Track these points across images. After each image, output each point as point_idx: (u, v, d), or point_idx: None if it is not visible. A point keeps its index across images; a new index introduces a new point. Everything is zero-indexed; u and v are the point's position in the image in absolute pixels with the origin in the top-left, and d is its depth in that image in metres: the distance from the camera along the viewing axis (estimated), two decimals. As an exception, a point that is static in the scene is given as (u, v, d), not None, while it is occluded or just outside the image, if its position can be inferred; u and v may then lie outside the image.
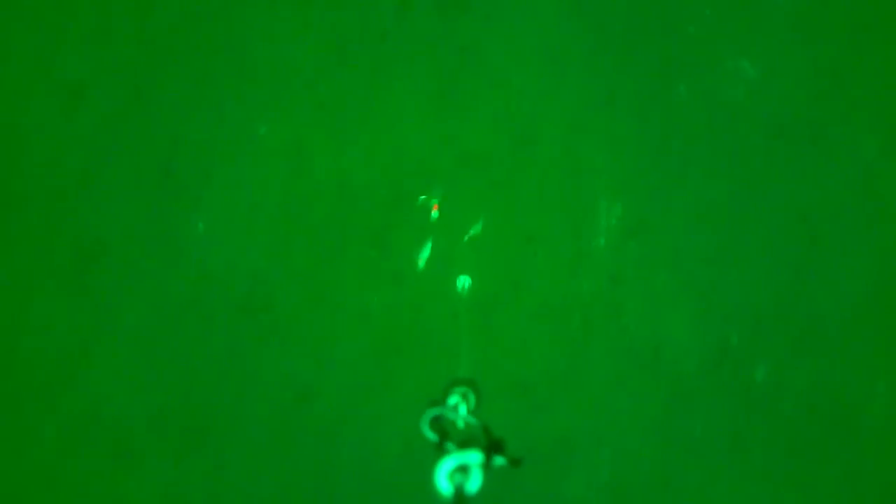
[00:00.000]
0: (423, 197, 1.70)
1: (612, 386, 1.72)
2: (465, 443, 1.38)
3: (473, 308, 1.70)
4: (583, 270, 1.74)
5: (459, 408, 1.47)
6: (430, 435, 1.40)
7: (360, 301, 1.68)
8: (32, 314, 1.74)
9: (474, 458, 1.35)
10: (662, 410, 1.73)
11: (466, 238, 1.71)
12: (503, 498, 1.64)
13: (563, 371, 1.72)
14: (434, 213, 1.71)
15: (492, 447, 1.40)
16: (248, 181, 1.71)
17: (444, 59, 1.75)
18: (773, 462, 1.73)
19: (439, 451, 1.34)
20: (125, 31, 1.74)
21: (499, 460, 1.40)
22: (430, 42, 1.71)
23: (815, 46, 1.78)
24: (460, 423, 1.45)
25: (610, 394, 1.73)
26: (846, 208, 1.74)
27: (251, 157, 1.71)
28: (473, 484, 1.34)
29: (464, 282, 1.70)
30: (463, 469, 1.34)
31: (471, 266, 1.71)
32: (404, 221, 1.70)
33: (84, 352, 1.72)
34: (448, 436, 1.39)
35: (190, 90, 1.74)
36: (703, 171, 1.76)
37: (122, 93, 1.74)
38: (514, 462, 1.42)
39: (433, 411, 1.43)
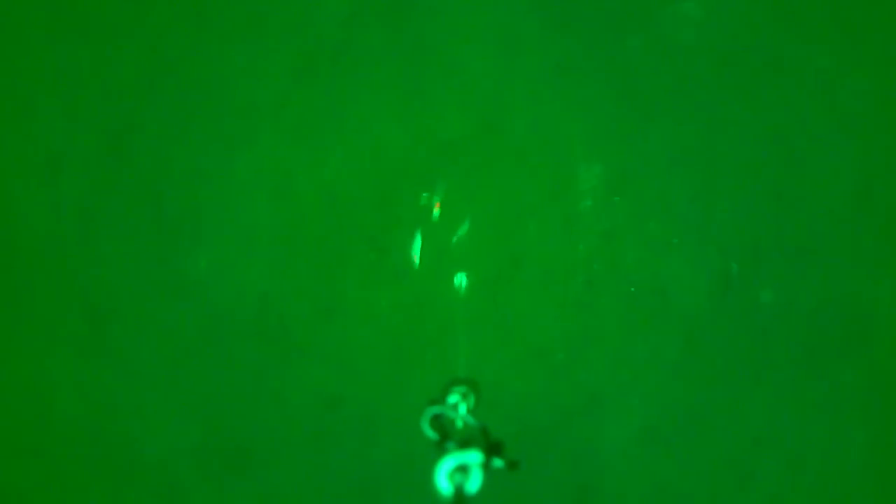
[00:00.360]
0: (428, 193, 1.75)
1: (626, 337, 1.77)
2: (465, 442, 1.35)
3: (479, 291, 1.75)
4: (576, 234, 1.79)
5: (459, 407, 1.46)
6: (431, 433, 1.39)
7: (367, 302, 1.73)
8: (58, 380, 1.80)
9: (474, 457, 1.33)
10: (679, 350, 1.77)
11: (460, 225, 1.76)
12: (540, 463, 1.69)
13: (577, 332, 1.77)
14: (436, 210, 1.76)
15: (490, 449, 1.36)
16: (238, 211, 1.76)
17: (402, 59, 1.80)
18: (792, 377, 1.78)
19: (439, 449, 1.32)
20: (95, 95, 1.80)
21: (497, 462, 1.36)
22: (386, 45, 1.76)
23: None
24: (459, 423, 1.43)
25: (626, 345, 1.77)
26: (813, 120, 1.79)
27: (236, 188, 1.76)
28: (473, 484, 1.32)
29: (463, 273, 1.75)
30: (463, 469, 1.32)
31: (469, 250, 1.75)
32: (395, 218, 1.75)
33: (114, 405, 1.77)
34: (448, 434, 1.37)
35: (166, 139, 1.79)
36: (671, 116, 1.81)
37: (100, 154, 1.80)
38: (512, 464, 1.38)
39: (433, 409, 1.41)
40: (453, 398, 1.49)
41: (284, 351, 1.75)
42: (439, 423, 1.41)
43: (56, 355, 1.80)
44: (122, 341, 1.78)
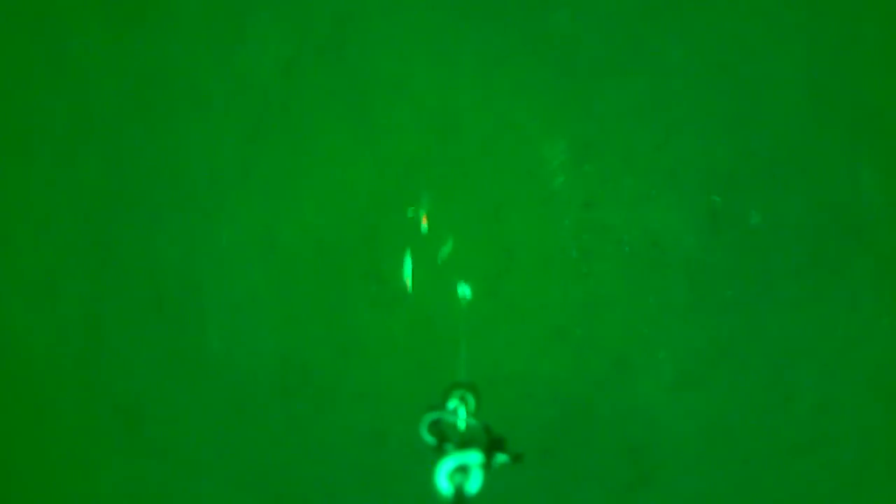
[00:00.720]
0: (411, 208, 1.78)
1: (633, 295, 1.80)
2: (464, 444, 1.38)
3: (481, 290, 1.78)
4: (558, 210, 1.83)
5: (458, 411, 1.48)
6: (429, 439, 1.41)
7: (379, 330, 1.77)
8: (104, 484, 1.84)
9: (474, 458, 1.35)
10: (686, 293, 1.80)
11: (446, 233, 1.80)
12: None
13: (586, 304, 1.80)
14: (423, 225, 1.80)
15: (492, 446, 1.40)
16: (234, 280, 1.80)
17: (348, 89, 1.83)
18: (798, 289, 1.81)
19: (438, 454, 1.34)
20: (75, 209, 1.84)
21: (500, 458, 1.39)
22: (329, 80, 1.80)
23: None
24: (461, 425, 1.45)
25: (636, 302, 1.81)
26: (756, 43, 1.83)
27: (226, 258, 1.80)
28: (473, 484, 1.34)
29: (460, 278, 1.79)
30: (463, 469, 1.34)
31: (461, 254, 1.79)
32: (384, 243, 1.78)
33: (164, 495, 1.80)
34: (446, 439, 1.40)
35: (149, 230, 1.83)
36: (618, 76, 1.85)
37: (92, 262, 1.84)
38: (516, 458, 1.40)
39: (431, 416, 1.44)
40: (452, 403, 1.50)
41: (315, 399, 1.78)
42: (437, 428, 1.43)
43: (98, 462, 1.83)
44: (157, 432, 1.81)
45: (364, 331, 1.78)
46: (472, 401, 1.52)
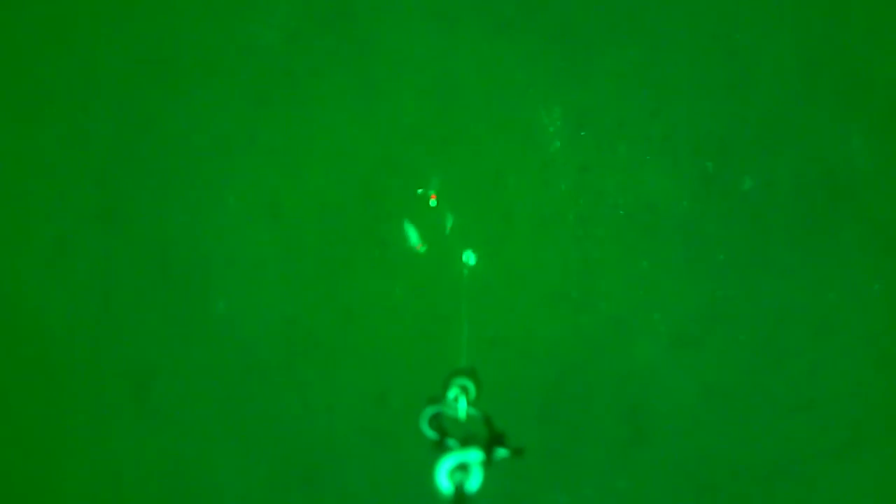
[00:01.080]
0: (413, 174, 1.83)
1: (629, 257, 1.85)
2: (465, 440, 1.39)
3: (480, 254, 1.83)
4: (555, 174, 1.87)
5: (459, 401, 1.48)
6: (430, 433, 1.42)
7: (382, 294, 1.81)
8: (119, 452, 1.88)
9: (474, 456, 1.35)
10: (681, 256, 1.85)
11: (447, 198, 1.85)
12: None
13: (582, 267, 1.84)
14: (433, 201, 1.84)
15: (493, 440, 1.40)
16: (240, 245, 1.84)
17: (350, 59, 1.87)
18: (792, 252, 1.85)
19: (439, 449, 1.36)
20: (84, 178, 1.89)
21: (501, 452, 1.39)
22: (332, 50, 1.84)
23: None
24: (462, 415, 1.46)
25: (631, 265, 1.85)
26: (748, 12, 1.88)
27: (232, 224, 1.85)
28: (474, 482, 1.34)
29: (461, 241, 1.83)
30: (463, 467, 1.34)
31: (461, 219, 1.84)
32: (385, 208, 1.83)
33: (177, 460, 1.85)
34: (447, 434, 1.40)
35: (156, 200, 1.88)
36: (613, 45, 1.89)
37: (99, 232, 1.88)
38: (516, 452, 1.41)
39: (432, 409, 1.44)
40: (452, 393, 1.51)
41: (319, 361, 1.82)
42: (438, 422, 1.44)
43: (106, 424, 1.88)
44: (164, 395, 1.85)
45: (367, 294, 1.83)
46: (472, 389, 1.53)
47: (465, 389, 1.52)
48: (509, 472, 1.72)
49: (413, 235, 1.80)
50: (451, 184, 1.84)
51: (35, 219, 1.89)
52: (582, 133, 1.87)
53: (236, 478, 1.84)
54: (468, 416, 1.46)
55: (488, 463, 1.35)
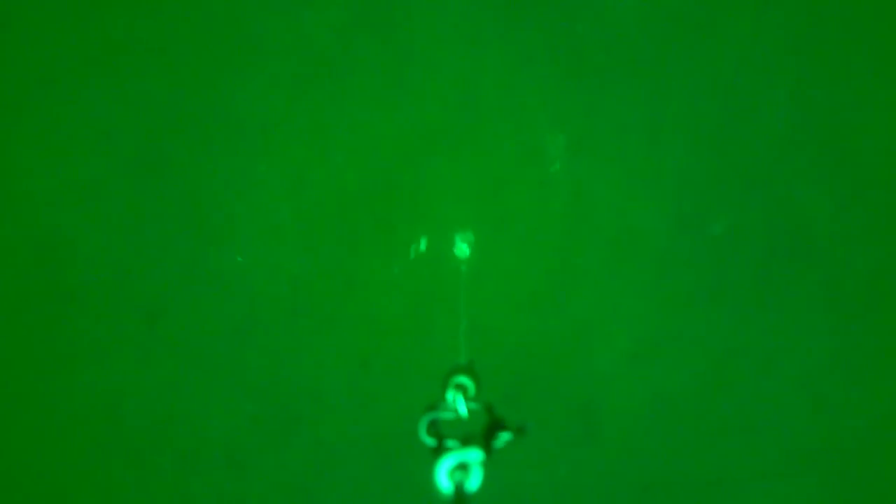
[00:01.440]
0: (426, 170, 2.05)
1: (604, 274, 2.08)
2: (465, 440, 1.37)
3: (474, 250, 2.05)
4: (550, 193, 2.10)
5: (458, 401, 1.48)
6: (428, 440, 1.40)
7: (381, 272, 2.04)
8: (123, 376, 2.09)
9: (474, 455, 1.34)
10: (650, 281, 2.09)
11: (451, 197, 2.08)
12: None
13: (562, 275, 2.08)
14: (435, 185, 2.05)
15: (494, 426, 1.39)
16: (263, 210, 2.06)
17: (389, 63, 2.09)
18: (751, 294, 2.09)
19: (437, 454, 1.35)
20: (131, 125, 2.10)
21: (504, 436, 1.38)
22: (375, 53, 2.07)
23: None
24: (463, 412, 1.46)
25: (605, 281, 2.08)
26: (742, 71, 2.11)
27: (260, 190, 2.06)
28: (474, 482, 1.33)
29: (458, 236, 2.06)
30: (463, 467, 1.33)
31: (461, 217, 2.06)
32: (396, 198, 2.06)
33: (175, 391, 2.07)
34: (444, 440, 1.38)
35: (196, 157, 2.08)
36: (619, 88, 2.12)
37: (141, 176, 2.10)
38: (520, 431, 1.40)
39: (429, 416, 1.43)
40: (450, 394, 1.49)
41: (317, 323, 2.04)
42: (436, 429, 1.42)
43: (119, 354, 2.09)
44: (176, 334, 2.07)
45: (369, 270, 2.05)
46: (471, 386, 1.52)
47: (463, 388, 1.50)
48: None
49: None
50: (459, 183, 2.07)
51: (84, 153, 2.10)
52: (581, 160, 2.11)
53: (225, 411, 2.05)
54: (469, 410, 1.46)
55: (494, 449, 1.36)
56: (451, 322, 2.02)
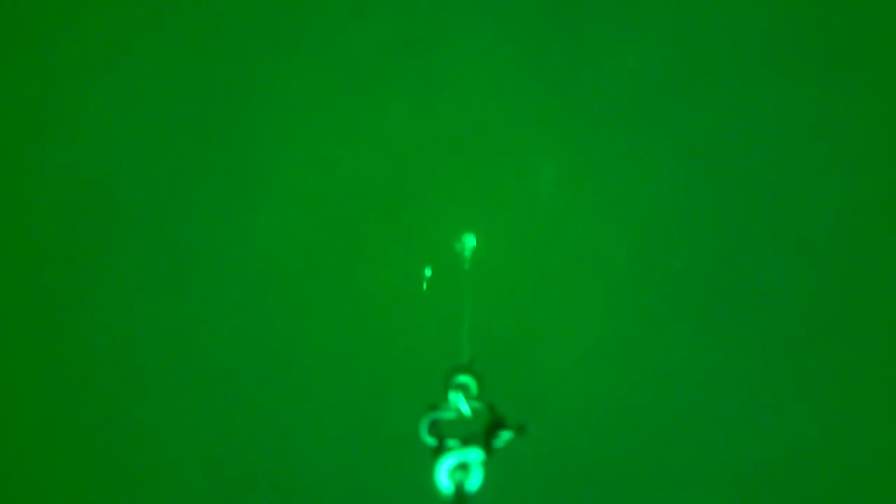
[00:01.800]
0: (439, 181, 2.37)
1: (570, 286, 2.41)
2: (466, 440, 1.40)
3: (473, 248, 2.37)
4: (542, 216, 2.43)
5: (460, 400, 1.49)
6: (429, 440, 1.41)
7: (386, 251, 2.36)
8: (151, 313, 2.41)
9: (474, 455, 1.36)
10: (610, 299, 2.43)
11: (452, 202, 2.39)
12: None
13: (534, 282, 2.41)
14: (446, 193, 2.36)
15: (495, 425, 1.41)
16: (293, 186, 2.39)
17: (420, 84, 2.43)
18: (696, 320, 2.42)
19: (437, 454, 1.37)
20: (190, 102, 2.43)
21: (505, 435, 1.41)
22: (410, 75, 2.40)
23: None
24: (467, 412, 1.47)
25: (570, 292, 2.42)
26: (704, 140, 2.46)
27: (290, 168, 2.39)
28: (474, 482, 1.36)
29: (452, 233, 2.37)
30: (463, 467, 1.36)
31: (457, 220, 2.34)
32: (407, 194, 2.38)
33: (195, 332, 2.38)
34: (445, 440, 1.40)
35: (240, 137, 2.41)
36: (620, 136, 2.46)
37: (193, 144, 2.41)
38: (520, 429, 1.43)
39: (431, 416, 1.44)
40: (452, 395, 1.50)
41: (324, 291, 2.37)
42: (437, 429, 1.43)
43: (149, 294, 2.40)
44: (202, 281, 2.38)
45: (377, 253, 2.37)
46: (473, 384, 1.53)
47: (464, 387, 1.51)
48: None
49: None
50: (467, 193, 2.40)
51: (145, 113, 2.40)
52: (565, 191, 2.44)
53: (224, 349, 2.36)
54: (471, 410, 1.47)
55: (495, 447, 1.38)
56: (443, 298, 2.29)
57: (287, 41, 2.37)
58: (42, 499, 2.40)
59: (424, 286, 2.29)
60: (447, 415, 1.45)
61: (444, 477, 1.34)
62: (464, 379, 1.52)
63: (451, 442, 1.37)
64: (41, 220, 2.39)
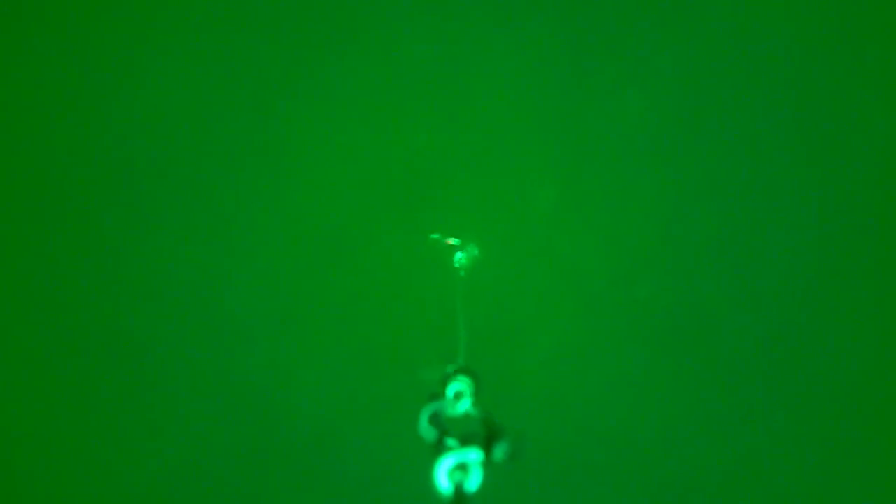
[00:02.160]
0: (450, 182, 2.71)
1: (548, 295, 2.78)
2: (465, 439, 1.42)
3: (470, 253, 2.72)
4: (537, 236, 2.79)
5: (461, 399, 1.52)
6: (429, 433, 1.43)
7: (391, 244, 2.70)
8: (185, 261, 2.76)
9: (474, 455, 1.37)
10: (579, 313, 2.80)
11: (457, 210, 2.75)
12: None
13: (518, 284, 2.76)
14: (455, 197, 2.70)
15: (492, 436, 1.41)
16: (323, 171, 2.74)
17: (439, 107, 2.80)
18: (656, 345, 2.80)
19: (438, 449, 1.40)
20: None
21: (498, 453, 1.40)
22: (444, 82, 2.75)
23: None
24: (469, 408, 1.50)
25: (546, 300, 2.80)
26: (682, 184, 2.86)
27: (321, 160, 2.74)
28: (473, 482, 1.37)
29: (457, 241, 2.72)
30: (463, 467, 1.37)
31: (461, 225, 2.66)
32: (417, 198, 2.72)
33: (221, 279, 2.74)
34: (447, 433, 1.43)
35: (277, 116, 2.77)
36: (597, 163, 2.83)
37: (240, 125, 2.76)
38: (512, 455, 1.41)
39: (431, 406, 1.47)
40: (451, 390, 1.52)
41: (336, 260, 2.74)
42: (437, 421, 1.45)
43: (185, 248, 2.74)
44: (237, 237, 2.73)
45: (391, 231, 2.71)
46: (472, 385, 1.56)
47: (462, 389, 1.54)
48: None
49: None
50: (471, 199, 2.75)
51: (189, 92, 2.72)
52: (563, 212, 2.81)
53: (237, 313, 2.71)
54: (467, 413, 1.49)
55: (493, 459, 1.39)
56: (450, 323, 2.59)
57: (335, 49, 2.73)
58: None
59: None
60: (448, 406, 1.48)
61: (443, 477, 1.35)
62: (463, 379, 1.55)
63: (451, 441, 1.38)
64: (95, 165, 2.73)
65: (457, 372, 1.58)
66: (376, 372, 2.78)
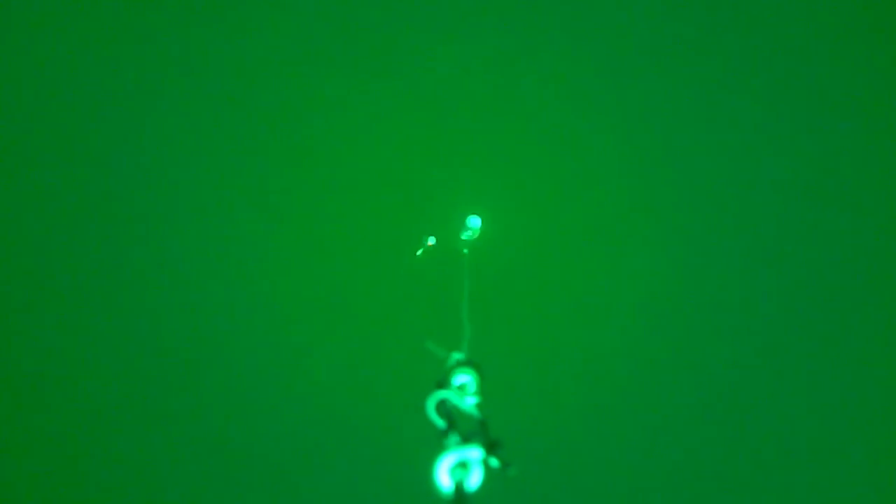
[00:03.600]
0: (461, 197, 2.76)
1: (543, 309, 2.83)
2: (467, 437, 1.37)
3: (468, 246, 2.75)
4: (534, 251, 2.84)
5: (466, 391, 1.48)
6: (438, 420, 1.39)
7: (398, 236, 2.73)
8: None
9: (475, 454, 1.32)
10: (573, 333, 2.88)
11: (457, 206, 2.78)
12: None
13: (514, 288, 2.83)
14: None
15: (489, 446, 1.36)
16: (343, 169, 2.83)
17: (433, 117, 2.85)
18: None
19: (445, 436, 1.35)
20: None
21: (493, 462, 1.35)
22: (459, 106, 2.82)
23: None
24: (474, 398, 1.46)
25: (545, 314, 2.83)
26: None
27: (339, 160, 2.78)
28: (475, 480, 1.32)
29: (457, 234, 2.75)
30: (463, 465, 1.32)
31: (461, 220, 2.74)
32: (423, 196, 2.76)
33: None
34: (454, 421, 1.39)
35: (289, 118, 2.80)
36: (620, 209, 2.91)
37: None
38: (506, 466, 1.36)
39: (439, 394, 1.42)
40: (457, 378, 1.49)
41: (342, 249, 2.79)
42: (445, 409, 1.41)
43: (191, 247, 2.77)
44: (242, 231, 2.80)
45: (394, 226, 2.81)
46: (476, 378, 1.51)
47: (465, 382, 1.50)
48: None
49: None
50: (476, 209, 2.80)
51: (207, 101, 2.78)
52: (569, 251, 2.86)
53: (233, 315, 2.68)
54: (469, 410, 1.44)
55: (490, 467, 1.35)
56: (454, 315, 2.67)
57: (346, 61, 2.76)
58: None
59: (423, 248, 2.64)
60: (454, 395, 1.45)
61: (443, 476, 1.31)
62: (467, 371, 1.52)
63: (451, 440, 1.35)
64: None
65: (461, 364, 1.53)
66: (376, 372, 2.80)
